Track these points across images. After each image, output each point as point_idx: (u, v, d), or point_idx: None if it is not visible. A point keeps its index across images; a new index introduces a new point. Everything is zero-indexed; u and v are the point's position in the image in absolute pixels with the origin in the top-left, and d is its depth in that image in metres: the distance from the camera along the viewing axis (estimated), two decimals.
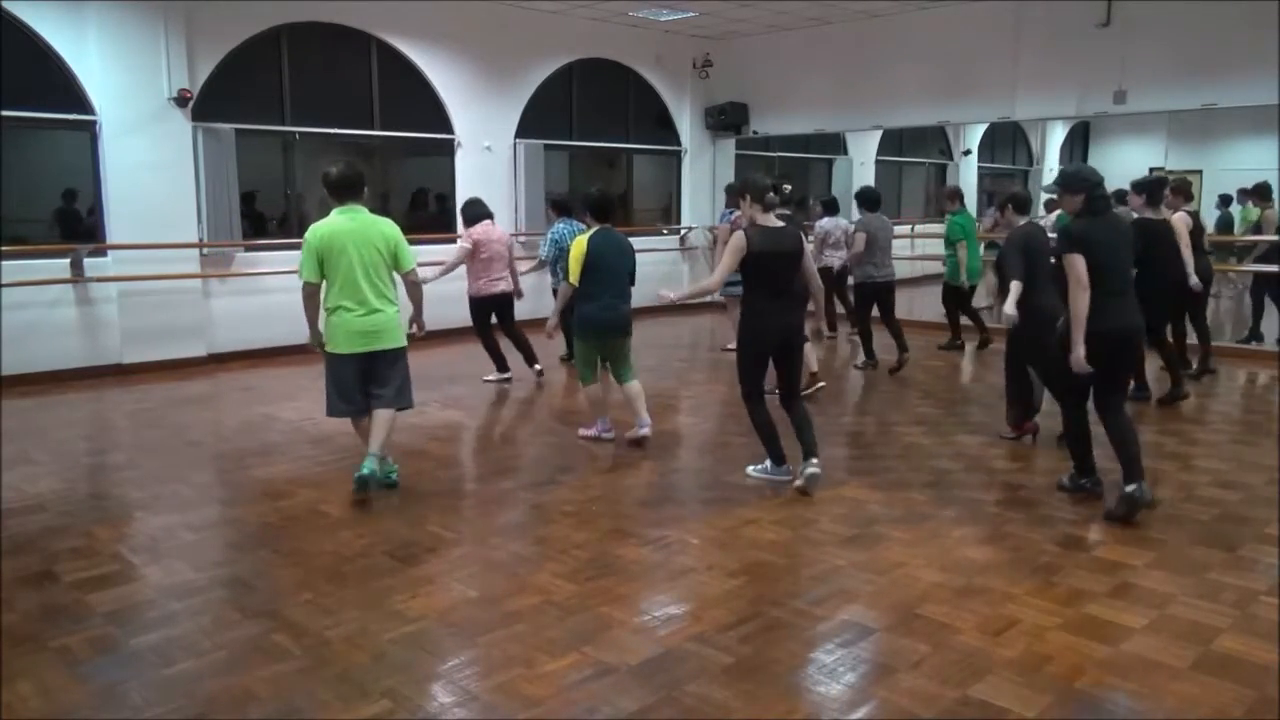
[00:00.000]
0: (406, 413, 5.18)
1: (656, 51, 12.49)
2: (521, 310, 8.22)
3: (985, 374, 8.56)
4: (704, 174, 13.27)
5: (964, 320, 9.63)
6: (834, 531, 4.49)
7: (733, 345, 5.87)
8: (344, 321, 4.82)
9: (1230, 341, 9.78)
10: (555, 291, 8.30)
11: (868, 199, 8.56)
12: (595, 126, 12.26)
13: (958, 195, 9.32)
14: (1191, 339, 7.86)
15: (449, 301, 8.12)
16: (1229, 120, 14.69)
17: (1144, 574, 3.96)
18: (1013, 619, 3.54)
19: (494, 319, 8.00)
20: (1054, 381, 5.21)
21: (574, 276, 5.80)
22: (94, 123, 8.23)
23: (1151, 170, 11.09)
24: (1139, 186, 7.13)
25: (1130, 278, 4.69)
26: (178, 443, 6.23)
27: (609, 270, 5.80)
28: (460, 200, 8.95)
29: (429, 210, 11.05)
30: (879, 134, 15.30)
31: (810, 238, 9.24)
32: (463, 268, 7.82)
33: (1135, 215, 7.00)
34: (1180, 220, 7.22)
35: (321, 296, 4.86)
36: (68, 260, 8.12)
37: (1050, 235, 6.24)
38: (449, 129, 10.63)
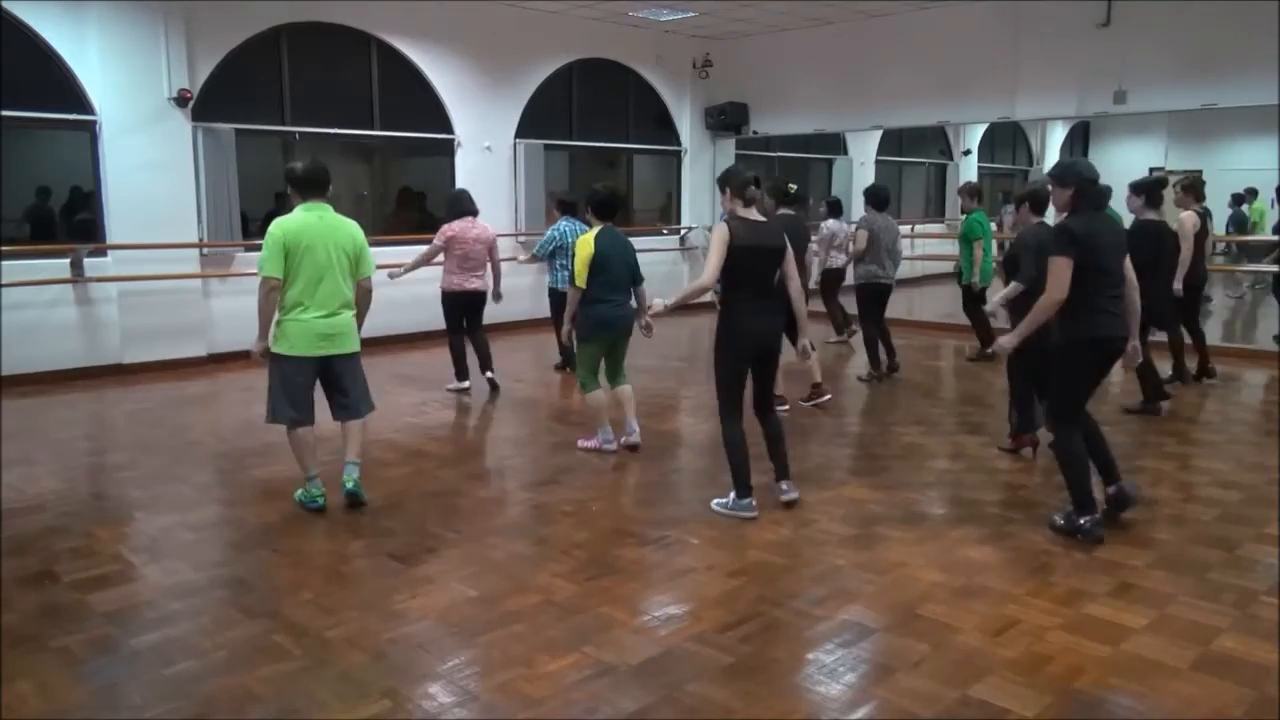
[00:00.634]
0: (406, 413, 5.18)
1: (656, 51, 12.49)
2: (521, 310, 8.15)
3: (985, 374, 8.55)
4: (704, 174, 13.25)
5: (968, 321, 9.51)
6: (834, 531, 4.49)
7: None
8: (303, 322, 4.61)
9: (1239, 343, 9.74)
10: (551, 290, 8.31)
11: (876, 197, 8.20)
12: (595, 126, 12.25)
13: (977, 193, 9.03)
14: (1190, 339, 7.85)
15: None
16: (1229, 120, 14.71)
17: (1144, 574, 3.96)
18: (1013, 619, 3.54)
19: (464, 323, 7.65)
20: (1050, 394, 5.02)
21: (580, 279, 5.62)
22: (94, 123, 8.22)
23: (1151, 170, 11.09)
24: (1138, 187, 6.73)
25: (1119, 284, 4.44)
26: (178, 443, 6.23)
27: (615, 269, 5.76)
28: None
29: (428, 210, 11.04)
30: (879, 134, 15.32)
31: (815, 239, 9.20)
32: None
33: (1135, 217, 6.95)
34: (1189, 219, 7.17)
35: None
36: (68, 260, 8.13)
37: None
38: (449, 129, 10.63)
